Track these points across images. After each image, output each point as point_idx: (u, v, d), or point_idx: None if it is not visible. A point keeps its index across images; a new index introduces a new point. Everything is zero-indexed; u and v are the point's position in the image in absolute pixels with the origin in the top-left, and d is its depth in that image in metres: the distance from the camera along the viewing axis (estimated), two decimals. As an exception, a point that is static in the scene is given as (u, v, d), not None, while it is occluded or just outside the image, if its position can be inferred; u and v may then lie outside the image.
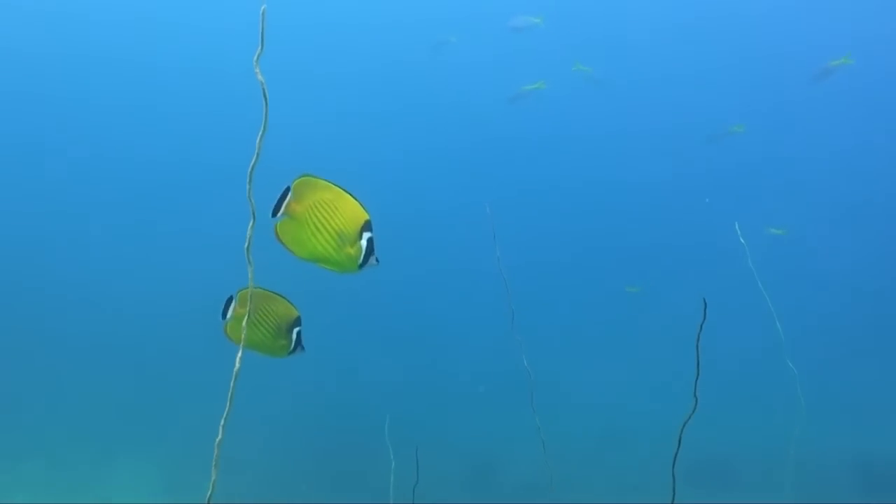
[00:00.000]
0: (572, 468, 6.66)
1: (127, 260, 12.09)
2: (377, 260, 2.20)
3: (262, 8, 1.49)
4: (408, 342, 11.18)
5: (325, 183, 2.14)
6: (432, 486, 3.90)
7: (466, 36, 12.98)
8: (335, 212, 2.14)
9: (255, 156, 1.56)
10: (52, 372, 9.09)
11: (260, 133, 1.56)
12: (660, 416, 5.33)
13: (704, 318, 1.83)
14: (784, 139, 14.16)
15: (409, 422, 6.52)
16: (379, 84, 14.92)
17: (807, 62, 7.63)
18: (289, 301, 2.52)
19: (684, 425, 1.83)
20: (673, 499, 1.95)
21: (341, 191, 2.15)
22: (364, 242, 2.16)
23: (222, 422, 1.52)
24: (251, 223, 1.62)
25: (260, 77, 1.51)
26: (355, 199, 2.15)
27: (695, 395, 1.85)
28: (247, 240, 1.62)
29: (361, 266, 2.20)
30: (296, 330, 2.54)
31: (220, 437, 1.51)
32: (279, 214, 2.13)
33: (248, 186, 1.62)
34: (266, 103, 1.52)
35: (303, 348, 2.56)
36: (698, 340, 1.85)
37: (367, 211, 2.15)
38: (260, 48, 1.50)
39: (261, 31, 1.49)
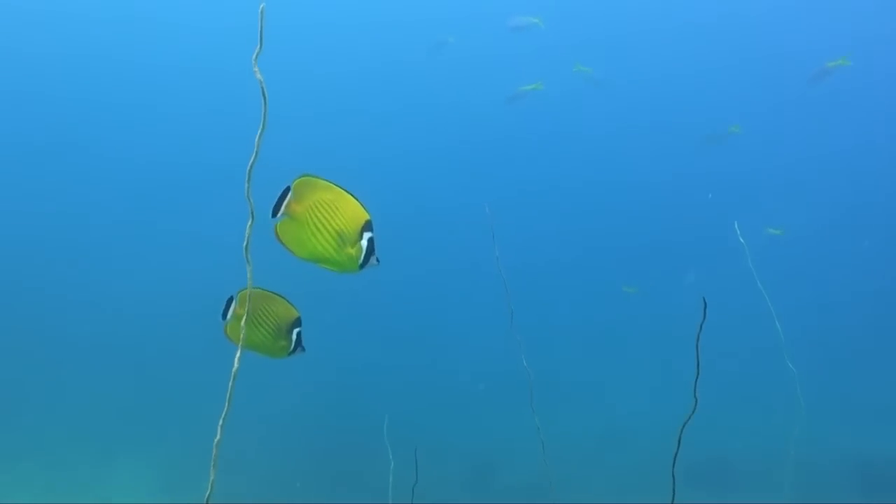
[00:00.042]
0: (572, 468, 6.66)
1: (126, 260, 12.09)
2: (378, 260, 2.19)
3: (261, 6, 1.49)
4: (407, 342, 11.18)
5: (325, 183, 2.13)
6: (431, 486, 3.89)
7: (466, 36, 12.99)
8: (335, 212, 2.14)
9: (253, 154, 1.55)
10: (51, 372, 9.08)
11: (259, 132, 1.56)
12: (659, 417, 5.34)
13: (704, 318, 1.83)
14: (783, 139, 14.18)
15: (408, 422, 6.53)
16: (379, 84, 14.92)
17: (806, 63, 7.63)
18: (289, 302, 2.52)
19: (684, 425, 1.83)
20: (673, 499, 1.95)
21: (342, 191, 2.14)
22: (364, 243, 2.16)
23: (220, 422, 1.51)
24: (250, 222, 1.62)
25: (258, 76, 1.50)
26: (356, 199, 2.14)
27: (694, 396, 1.85)
28: (245, 239, 1.61)
29: (362, 266, 2.19)
30: (296, 330, 2.53)
31: (218, 437, 1.51)
32: (279, 214, 2.13)
33: (246, 185, 1.61)
34: (265, 102, 1.52)
35: (303, 349, 2.55)
36: (698, 340, 1.84)
37: (367, 211, 2.14)
38: (259, 47, 1.50)
39: (259, 29, 1.49)
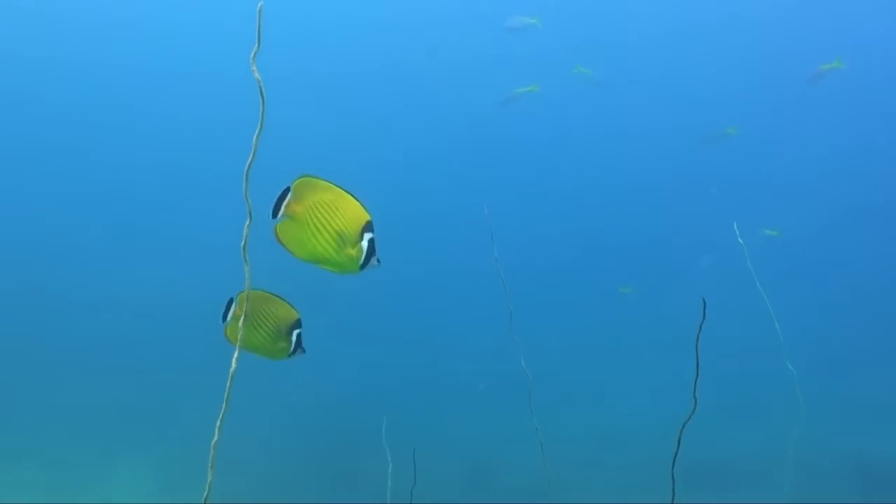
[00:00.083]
0: (571, 469, 6.65)
1: (125, 261, 12.09)
2: (379, 261, 2.19)
3: (259, 5, 1.48)
4: (405, 343, 11.18)
5: (325, 184, 2.13)
6: (430, 487, 3.89)
7: (466, 37, 13.01)
8: (336, 212, 2.13)
9: (251, 154, 1.55)
10: (51, 372, 9.08)
11: (256, 131, 1.55)
12: (659, 417, 5.33)
13: (704, 319, 1.83)
14: (782, 140, 14.18)
15: (406, 423, 6.52)
16: (378, 85, 14.93)
17: (806, 63, 7.63)
18: (289, 303, 2.51)
19: (684, 426, 1.82)
20: (672, 500, 1.94)
21: (342, 191, 2.13)
22: (365, 243, 2.15)
23: (218, 423, 1.51)
24: (248, 222, 1.62)
25: (256, 74, 1.50)
26: (356, 199, 2.14)
27: (694, 396, 1.85)
28: (243, 239, 1.61)
29: (363, 267, 2.19)
30: (296, 332, 2.52)
31: (215, 438, 1.51)
32: (279, 215, 2.12)
33: (244, 185, 1.61)
34: (263, 101, 1.52)
35: (303, 350, 2.54)
36: (697, 341, 1.84)
37: (368, 212, 2.14)
38: (256, 46, 1.50)
39: (257, 28, 1.49)
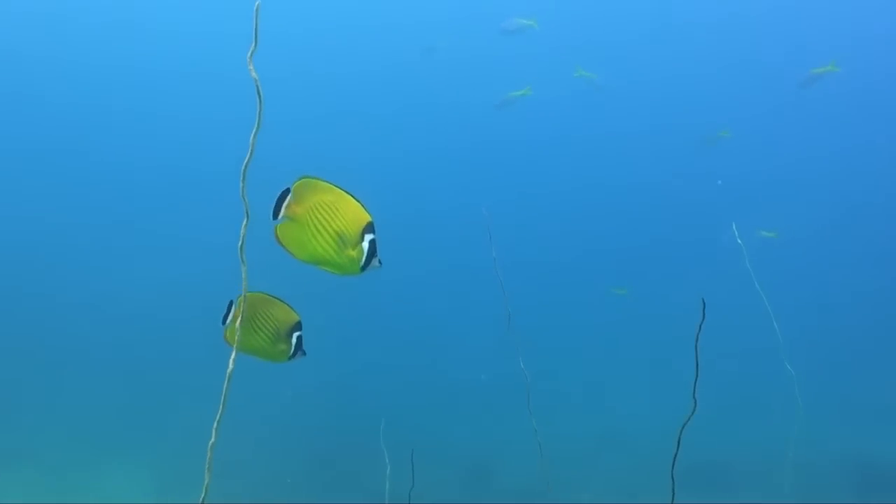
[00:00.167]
0: (569, 470, 6.64)
1: (123, 261, 12.07)
2: (380, 262, 2.17)
3: (256, 4, 1.48)
4: (403, 344, 11.17)
5: (326, 185, 2.12)
6: (429, 488, 3.88)
7: (464, 37, 13.00)
8: (336, 213, 2.12)
9: (248, 154, 1.54)
10: (48, 374, 9.06)
11: (254, 130, 1.55)
12: (658, 418, 5.33)
13: (703, 319, 1.82)
14: (782, 140, 14.19)
15: (405, 424, 6.51)
16: (378, 86, 14.93)
17: (805, 64, 7.63)
18: (289, 305, 2.49)
19: (683, 427, 1.82)
20: (672, 500, 1.94)
21: (343, 192, 2.12)
22: (366, 245, 2.14)
23: (215, 424, 1.50)
24: (244, 222, 1.61)
25: (253, 74, 1.49)
26: (357, 200, 2.13)
27: (693, 397, 1.84)
28: (240, 239, 1.60)
29: (364, 268, 2.18)
30: (296, 334, 2.50)
31: (212, 439, 1.50)
32: (280, 216, 2.11)
33: (241, 185, 1.60)
34: (260, 100, 1.51)
35: (304, 353, 2.52)
36: (697, 341, 1.83)
37: (369, 213, 2.13)
38: (254, 45, 1.49)
39: (255, 27, 1.48)
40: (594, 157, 14.84)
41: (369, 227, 2.13)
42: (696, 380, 1.85)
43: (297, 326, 2.49)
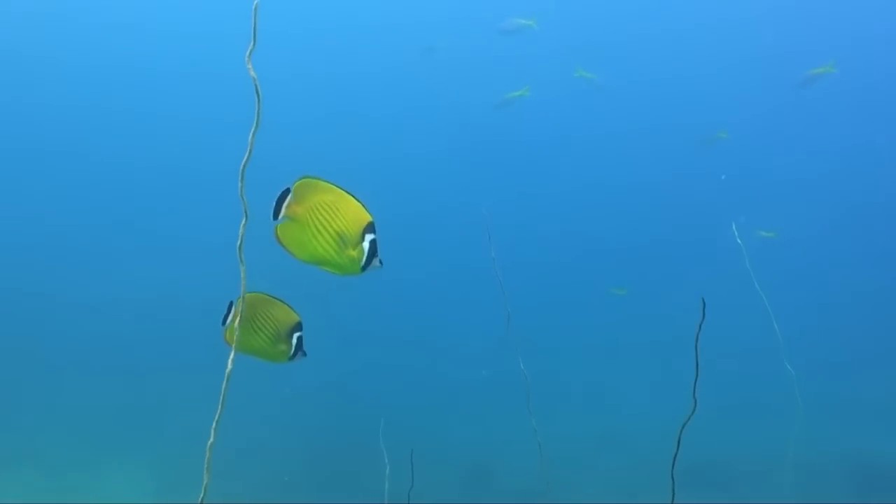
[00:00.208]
0: (569, 471, 6.64)
1: (122, 261, 12.06)
2: (381, 262, 2.17)
3: (255, 3, 1.47)
4: (404, 344, 11.17)
5: (326, 185, 2.11)
6: (428, 489, 3.88)
7: (464, 37, 13.00)
8: (337, 213, 2.11)
9: (247, 153, 1.54)
10: (47, 375, 9.06)
11: (252, 130, 1.54)
12: (658, 418, 5.33)
13: (703, 318, 1.81)
14: (781, 140, 14.19)
15: (405, 424, 6.50)
16: (377, 86, 14.93)
17: (804, 64, 7.63)
18: (289, 305, 2.48)
19: (683, 427, 1.81)
20: (672, 500, 1.93)
21: (343, 192, 2.12)
22: (367, 245, 2.14)
23: (214, 424, 1.50)
24: (243, 222, 1.60)
25: (252, 73, 1.49)
26: (358, 200, 2.12)
27: (694, 397, 1.83)
28: (239, 238, 1.60)
29: (364, 268, 2.17)
30: (296, 335, 2.49)
31: (211, 439, 1.49)
32: (280, 216, 2.11)
33: (240, 184, 1.60)
34: (259, 99, 1.51)
35: (304, 354, 2.51)
36: (697, 340, 1.83)
37: (369, 213, 2.12)
38: (252, 44, 1.49)
39: (253, 26, 1.48)
40: (593, 157, 14.84)
41: (370, 227, 2.13)
42: (696, 380, 1.85)
43: (298, 327, 2.48)
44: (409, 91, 14.80)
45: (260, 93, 1.50)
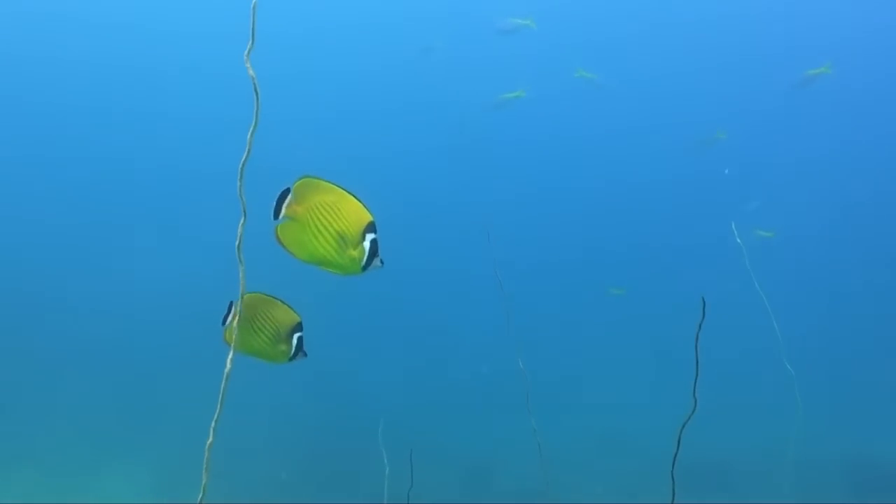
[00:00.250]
0: (569, 471, 6.63)
1: (122, 262, 12.04)
2: (382, 262, 2.16)
3: (253, 3, 1.47)
4: (403, 344, 11.16)
5: (327, 184, 2.11)
6: (427, 489, 3.87)
7: (464, 37, 13.00)
8: (337, 213, 2.11)
9: (245, 152, 1.54)
10: (46, 375, 9.04)
11: (251, 129, 1.54)
12: (658, 418, 5.32)
13: (703, 318, 1.81)
14: (781, 140, 14.19)
15: (404, 424, 6.50)
16: (377, 85, 14.93)
17: (804, 63, 7.63)
18: (289, 306, 2.47)
19: (683, 427, 1.81)
20: (672, 500, 1.93)
21: (344, 192, 2.11)
22: (367, 244, 2.13)
23: (213, 424, 1.50)
24: (241, 221, 1.60)
25: (251, 72, 1.49)
26: (359, 200, 2.12)
27: (694, 397, 1.83)
28: (238, 238, 1.59)
29: (365, 268, 2.17)
30: (297, 335, 2.48)
31: (210, 440, 1.49)
32: (280, 216, 2.10)
33: (238, 184, 1.59)
34: (257, 98, 1.50)
35: (304, 354, 2.50)
36: (697, 340, 1.82)
37: (370, 213, 2.12)
38: (251, 43, 1.48)
39: (251, 26, 1.48)
40: (593, 157, 14.84)
41: (370, 227, 2.12)
42: (696, 379, 1.85)
43: (298, 327, 2.47)
44: (407, 91, 14.79)
45: (258, 92, 1.49)
